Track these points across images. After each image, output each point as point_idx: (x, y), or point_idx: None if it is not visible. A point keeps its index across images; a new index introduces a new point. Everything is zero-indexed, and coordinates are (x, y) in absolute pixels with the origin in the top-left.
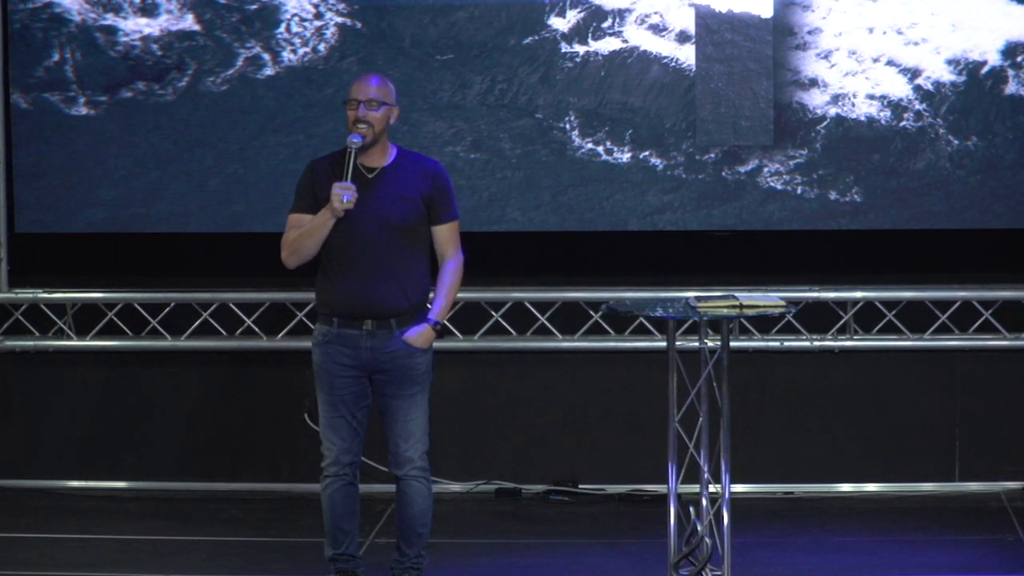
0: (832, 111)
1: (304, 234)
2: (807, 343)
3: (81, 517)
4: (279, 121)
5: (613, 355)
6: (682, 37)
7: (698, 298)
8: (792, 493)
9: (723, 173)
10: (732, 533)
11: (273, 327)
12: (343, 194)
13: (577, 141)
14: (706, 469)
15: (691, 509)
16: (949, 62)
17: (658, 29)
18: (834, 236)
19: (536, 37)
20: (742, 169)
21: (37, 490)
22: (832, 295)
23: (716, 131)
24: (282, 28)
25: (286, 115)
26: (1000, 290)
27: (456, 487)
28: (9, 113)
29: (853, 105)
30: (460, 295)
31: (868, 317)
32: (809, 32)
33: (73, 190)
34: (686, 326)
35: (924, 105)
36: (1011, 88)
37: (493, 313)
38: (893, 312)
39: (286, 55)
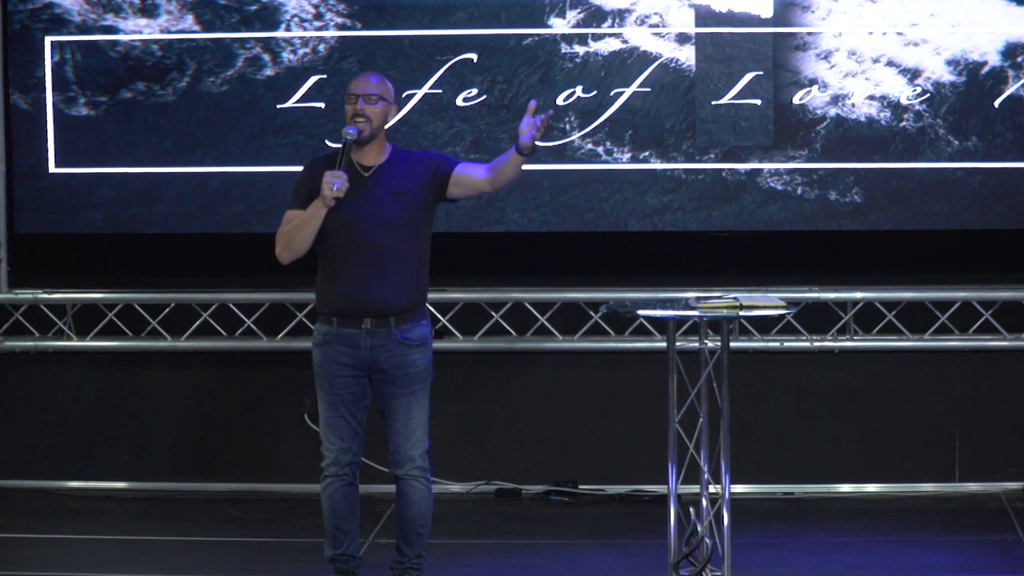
0: (832, 111)
1: (296, 226)
2: (807, 343)
3: (80, 517)
4: (279, 121)
5: (613, 355)
6: (682, 37)
7: (698, 298)
8: (792, 493)
9: (723, 173)
10: (732, 533)
11: (273, 327)
12: (333, 182)
13: (577, 141)
14: (706, 469)
15: (691, 509)
16: (949, 62)
17: (658, 29)
18: (834, 236)
19: (536, 37)
20: (742, 169)
21: (37, 490)
22: (832, 295)
23: (716, 131)
24: (282, 28)
25: (286, 115)
26: (1000, 290)
27: (456, 487)
28: (9, 113)
29: (853, 106)
30: (460, 295)
31: (868, 317)
32: (809, 32)
33: (73, 190)
34: (686, 327)
35: (924, 105)
36: (1011, 88)
37: (493, 313)
38: (893, 312)
39: (286, 55)
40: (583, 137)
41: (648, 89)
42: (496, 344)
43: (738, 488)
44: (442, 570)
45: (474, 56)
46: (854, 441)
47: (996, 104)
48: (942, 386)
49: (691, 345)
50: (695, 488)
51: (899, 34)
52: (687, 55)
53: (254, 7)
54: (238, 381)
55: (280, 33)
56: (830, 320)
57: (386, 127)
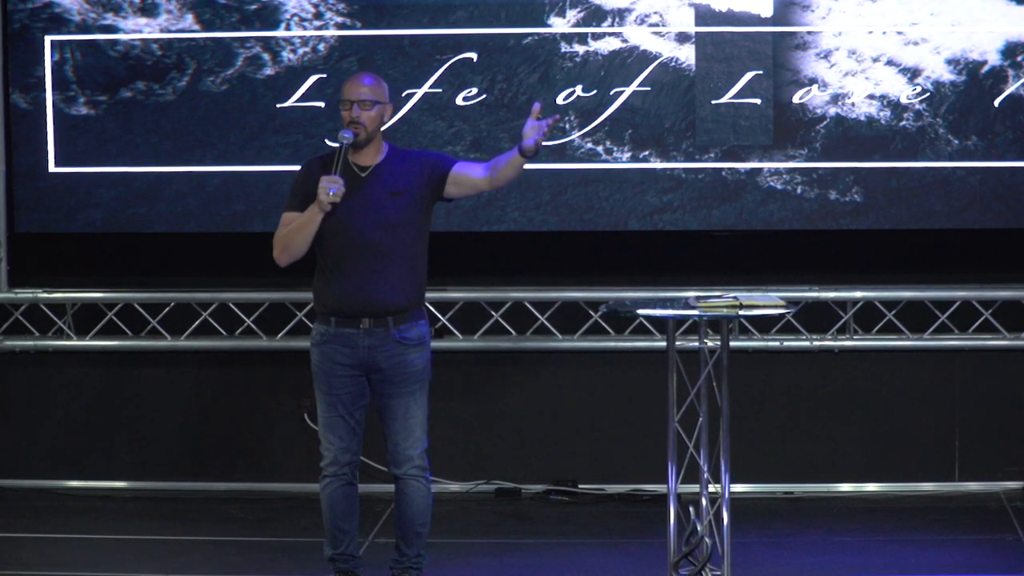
0: (832, 111)
1: (293, 230)
2: (807, 343)
3: (80, 517)
4: (279, 120)
5: (613, 355)
6: (682, 36)
7: (698, 298)
8: (792, 493)
9: (723, 173)
10: (732, 533)
11: (273, 327)
12: (330, 187)
13: (577, 141)
14: (706, 469)
15: (691, 509)
16: (949, 62)
17: (658, 29)
18: (834, 236)
19: (536, 36)
20: (742, 169)
21: (36, 490)
22: (832, 295)
23: (716, 131)
24: (282, 28)
25: (286, 114)
26: (1000, 290)
27: (456, 487)
28: (9, 113)
29: (853, 105)
30: (460, 295)
31: (868, 317)
32: (809, 32)
33: (73, 190)
34: (686, 326)
35: (924, 105)
36: (1011, 87)
37: (493, 313)
38: (893, 312)
39: (286, 55)
40: (583, 136)
41: (648, 88)
42: (496, 344)
43: (738, 488)
44: (442, 569)
45: (474, 55)
46: (854, 441)
47: (996, 103)
48: (942, 386)
49: (691, 344)
50: (695, 488)
51: (899, 33)
52: (687, 54)
53: (254, 6)
54: (238, 381)
55: (280, 32)
56: (830, 319)
57: (385, 127)
